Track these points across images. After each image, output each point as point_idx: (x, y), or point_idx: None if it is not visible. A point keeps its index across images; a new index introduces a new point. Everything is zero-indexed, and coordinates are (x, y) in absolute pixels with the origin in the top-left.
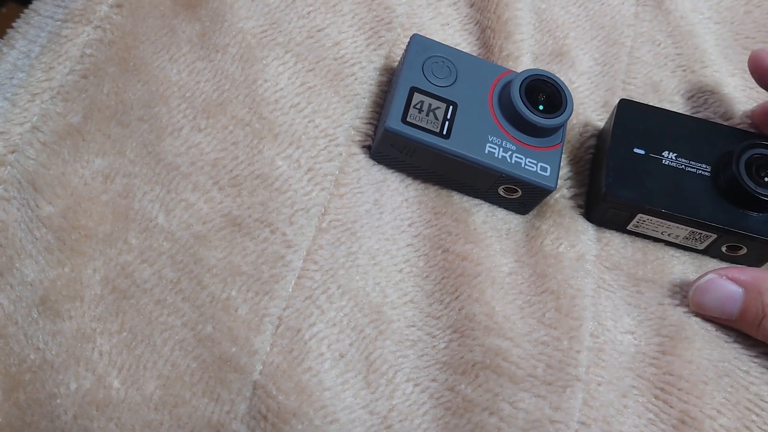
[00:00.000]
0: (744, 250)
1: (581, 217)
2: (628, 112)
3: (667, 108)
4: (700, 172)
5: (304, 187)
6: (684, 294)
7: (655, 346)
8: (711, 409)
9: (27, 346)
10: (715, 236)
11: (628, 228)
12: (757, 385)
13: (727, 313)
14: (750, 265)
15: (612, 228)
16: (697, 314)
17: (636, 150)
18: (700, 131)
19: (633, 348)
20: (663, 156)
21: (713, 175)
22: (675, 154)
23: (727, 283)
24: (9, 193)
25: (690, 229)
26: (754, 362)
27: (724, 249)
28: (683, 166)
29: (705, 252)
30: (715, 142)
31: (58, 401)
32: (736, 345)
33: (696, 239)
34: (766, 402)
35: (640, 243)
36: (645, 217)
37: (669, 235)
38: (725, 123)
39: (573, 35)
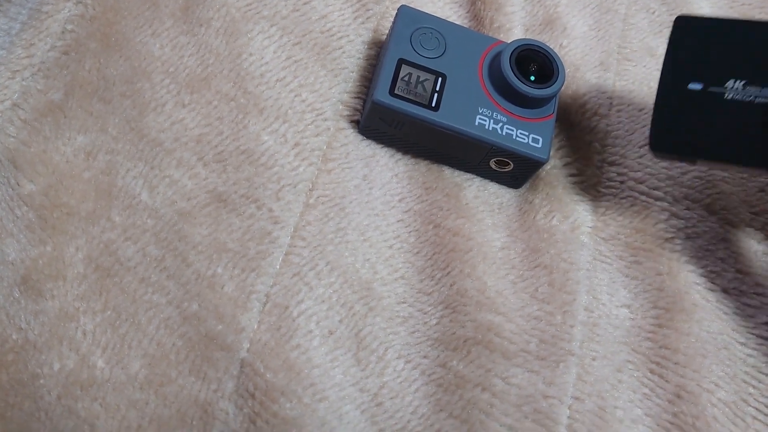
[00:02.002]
0: None
1: (575, 187)
2: (685, 33)
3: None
4: None
5: (290, 162)
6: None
7: (652, 319)
8: (709, 382)
9: (9, 327)
10: None
11: (698, 163)
12: (755, 357)
13: None
14: None
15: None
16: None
17: (692, 86)
18: None
19: (628, 322)
20: (726, 88)
21: None
22: (743, 82)
23: None
24: None
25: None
26: (752, 334)
27: None
28: (753, 98)
29: None
30: None
31: (42, 382)
32: (735, 316)
33: None
34: (763, 374)
35: (639, 207)
36: (708, 163)
37: (740, 174)
38: None
39: (565, 2)
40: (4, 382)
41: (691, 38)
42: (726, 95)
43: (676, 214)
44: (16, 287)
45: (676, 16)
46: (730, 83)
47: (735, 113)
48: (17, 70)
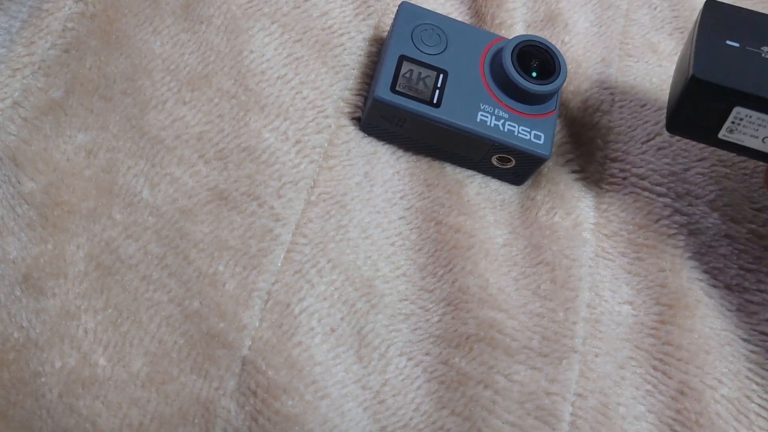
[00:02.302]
0: None
1: (578, 183)
2: (715, 12)
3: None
4: None
5: (292, 159)
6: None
7: (655, 315)
8: (712, 379)
9: (10, 325)
10: None
11: (720, 136)
12: (758, 354)
13: None
14: None
15: (698, 137)
16: (701, 280)
17: (729, 42)
18: None
19: (631, 318)
20: (762, 50)
21: None
22: None
23: None
24: None
25: None
26: (755, 330)
27: None
28: None
29: None
30: None
31: (43, 380)
32: (738, 313)
33: None
34: (766, 371)
35: (642, 203)
36: (746, 112)
37: None
38: None
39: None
40: (5, 380)
41: (722, 15)
42: (763, 55)
43: (679, 210)
44: (18, 285)
45: (705, 2)
46: (765, 48)
47: None
48: (18, 68)
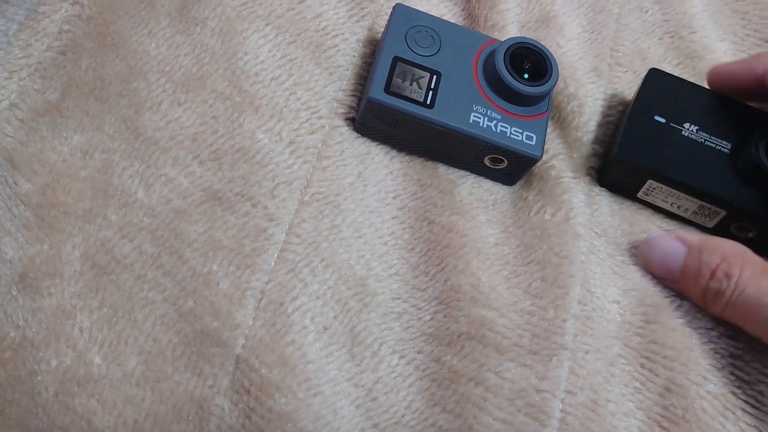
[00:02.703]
0: (753, 233)
1: (568, 184)
2: (656, 81)
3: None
4: (719, 148)
5: (285, 160)
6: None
7: (640, 315)
8: (697, 375)
9: (7, 324)
10: (724, 213)
11: (638, 196)
12: (742, 350)
13: (670, 271)
14: (759, 251)
15: (623, 194)
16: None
17: (657, 118)
18: (726, 109)
19: (619, 317)
20: (683, 127)
21: (732, 153)
22: (696, 127)
23: (672, 240)
24: None
25: (700, 202)
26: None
27: (733, 229)
28: (703, 140)
29: (714, 230)
30: (738, 121)
31: (39, 378)
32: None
33: (705, 215)
34: (750, 367)
35: (627, 212)
36: (656, 184)
37: (678, 207)
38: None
39: (560, 1)
40: (2, 378)
41: (659, 87)
42: (683, 132)
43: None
44: (14, 285)
45: (649, 68)
46: (686, 125)
47: (689, 146)
48: (14, 71)
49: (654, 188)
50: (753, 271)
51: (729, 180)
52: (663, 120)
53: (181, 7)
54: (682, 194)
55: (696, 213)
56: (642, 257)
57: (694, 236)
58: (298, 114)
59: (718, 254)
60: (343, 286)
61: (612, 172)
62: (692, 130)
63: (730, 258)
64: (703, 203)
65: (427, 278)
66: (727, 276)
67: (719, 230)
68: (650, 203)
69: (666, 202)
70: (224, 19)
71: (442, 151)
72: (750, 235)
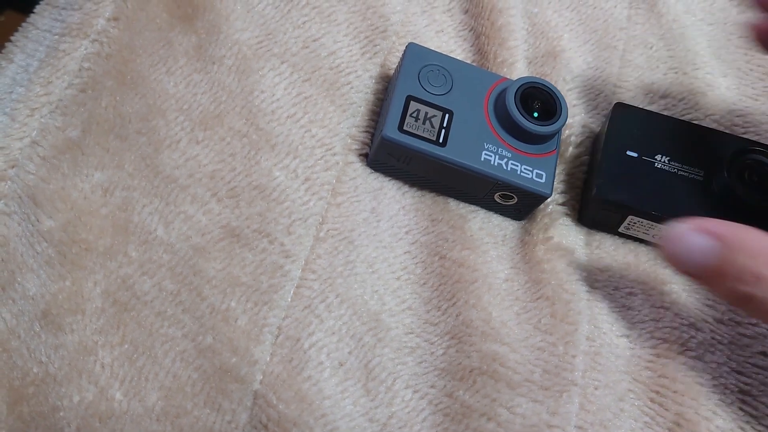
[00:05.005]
0: None
1: (573, 221)
2: (622, 115)
3: (660, 112)
4: (692, 176)
5: (301, 197)
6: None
7: (650, 349)
8: (706, 410)
9: (30, 360)
10: None
11: (620, 230)
12: (750, 386)
13: (698, 268)
14: None
15: (603, 230)
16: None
17: (629, 153)
18: (694, 136)
19: (628, 351)
20: (655, 159)
21: (706, 180)
22: (668, 158)
23: (701, 236)
24: (10, 208)
25: None
26: (748, 363)
27: None
28: (675, 170)
29: None
30: (708, 148)
31: (61, 414)
32: (731, 345)
33: None
34: (759, 402)
35: (631, 245)
36: (635, 219)
37: (659, 238)
38: (719, 127)
39: (567, 37)
40: (25, 414)
41: (627, 121)
42: (655, 165)
43: None
44: (37, 321)
45: (614, 103)
46: (658, 156)
47: (663, 179)
48: (36, 108)
49: (634, 223)
50: None
51: (706, 208)
52: (635, 154)
53: (198, 46)
54: (662, 226)
55: None
56: (666, 252)
57: (723, 228)
58: (313, 151)
59: (748, 253)
60: (358, 322)
61: (591, 211)
62: (664, 161)
63: (761, 257)
64: None
65: (440, 313)
66: (758, 278)
67: None
68: (632, 236)
69: (647, 234)
70: (240, 57)
71: (453, 188)
72: None
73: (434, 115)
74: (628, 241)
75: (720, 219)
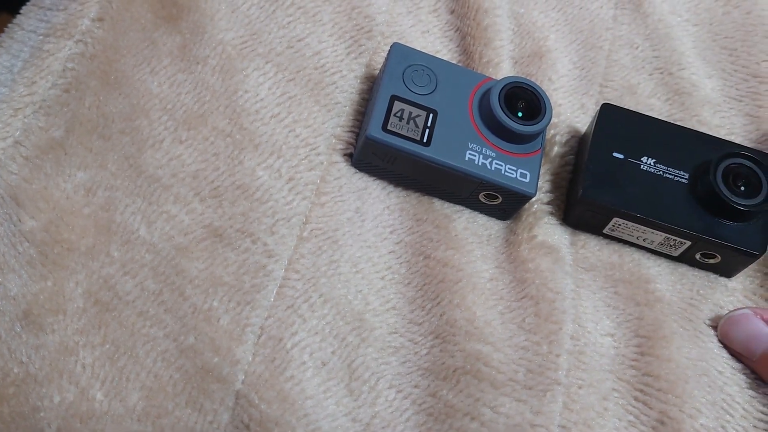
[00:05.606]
0: (718, 259)
1: (558, 220)
2: (609, 116)
3: (647, 113)
4: (677, 179)
5: (285, 196)
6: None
7: (634, 347)
8: (691, 408)
9: (10, 360)
10: (689, 243)
11: (604, 231)
12: (730, 386)
13: (751, 351)
14: (722, 273)
15: (588, 231)
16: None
17: (615, 154)
18: (680, 139)
19: (613, 350)
20: (641, 161)
21: (691, 183)
22: (654, 160)
23: (758, 322)
24: None
25: (665, 235)
26: (728, 363)
27: (698, 256)
28: (661, 173)
29: (679, 259)
30: (694, 150)
31: (42, 414)
32: (711, 345)
33: (671, 245)
34: (737, 402)
35: (615, 246)
36: (621, 221)
37: (644, 240)
38: (703, 128)
39: (553, 37)
40: (5, 414)
41: (614, 122)
42: (641, 167)
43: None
44: (18, 322)
45: (602, 104)
46: (644, 158)
47: (649, 181)
48: (19, 108)
49: (619, 224)
50: None
51: (691, 211)
52: (621, 156)
53: (182, 46)
54: (647, 228)
55: (662, 244)
56: (723, 333)
57: None
58: (297, 151)
59: None
60: (341, 321)
61: (576, 212)
62: (650, 164)
63: None
64: (668, 235)
65: (424, 312)
66: None
67: (684, 259)
68: (617, 237)
69: (632, 236)
70: (225, 57)
71: (438, 187)
72: (714, 261)
73: (418, 115)
74: (612, 241)
75: (705, 222)
